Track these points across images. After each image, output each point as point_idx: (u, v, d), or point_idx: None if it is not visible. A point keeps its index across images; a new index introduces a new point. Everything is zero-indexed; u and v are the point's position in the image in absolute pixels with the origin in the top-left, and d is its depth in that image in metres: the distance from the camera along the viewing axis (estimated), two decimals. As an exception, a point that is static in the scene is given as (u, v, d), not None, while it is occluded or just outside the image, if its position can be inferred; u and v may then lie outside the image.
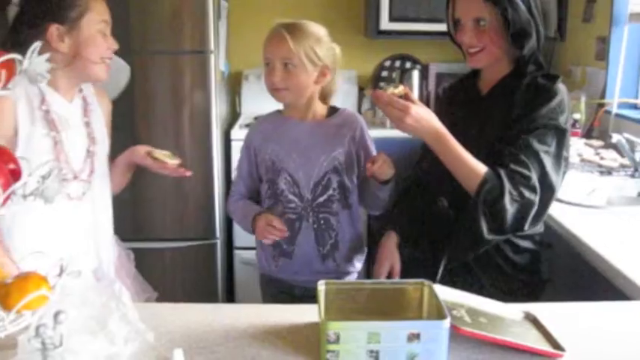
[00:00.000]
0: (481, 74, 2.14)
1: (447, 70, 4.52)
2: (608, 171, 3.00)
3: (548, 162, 1.90)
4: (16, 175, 1.27)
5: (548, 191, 1.90)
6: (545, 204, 1.91)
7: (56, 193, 1.29)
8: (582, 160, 3.13)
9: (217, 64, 3.61)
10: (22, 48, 1.77)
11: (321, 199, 2.16)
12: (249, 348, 1.40)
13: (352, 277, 2.26)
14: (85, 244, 2.00)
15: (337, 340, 1.30)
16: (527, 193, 1.86)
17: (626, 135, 3.07)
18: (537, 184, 1.87)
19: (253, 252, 3.74)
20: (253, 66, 4.43)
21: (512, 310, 1.58)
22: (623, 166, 3.04)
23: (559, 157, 1.93)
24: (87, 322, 1.30)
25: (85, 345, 1.26)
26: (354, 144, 2.16)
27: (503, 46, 1.99)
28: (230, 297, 4.03)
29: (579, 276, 2.19)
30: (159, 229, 3.70)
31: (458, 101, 2.17)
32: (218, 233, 3.75)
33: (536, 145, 1.89)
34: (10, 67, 1.22)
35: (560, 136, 1.92)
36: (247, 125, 4.05)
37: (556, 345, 1.42)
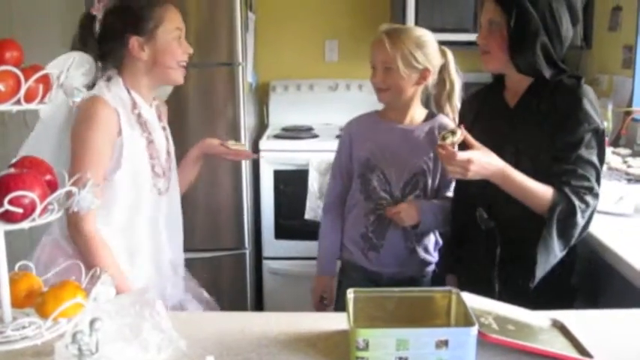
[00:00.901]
0: (506, 84, 2.14)
1: (473, 79, 4.46)
2: (635, 179, 2.98)
3: (598, 164, 1.95)
4: (52, 186, 1.31)
5: (597, 195, 1.96)
6: (596, 207, 1.97)
7: (91, 203, 1.33)
8: (610, 169, 3.12)
9: (245, 76, 3.64)
10: (107, 58, 2.02)
11: (408, 198, 2.29)
12: (279, 355, 1.42)
13: (431, 268, 2.40)
14: (166, 233, 2.17)
15: (366, 347, 1.32)
16: (592, 202, 1.92)
17: (654, 143, 3.06)
18: (598, 189, 1.94)
19: (281, 262, 3.77)
20: (281, 77, 4.47)
21: (540, 318, 1.58)
22: (651, 173, 3.02)
23: (603, 156, 1.98)
24: (121, 330, 1.33)
25: (119, 352, 1.29)
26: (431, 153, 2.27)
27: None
28: (259, 306, 4.05)
29: (607, 283, 2.18)
30: (189, 240, 3.69)
31: (485, 112, 2.18)
32: (247, 243, 3.78)
33: (587, 155, 1.93)
34: (47, 82, 1.26)
35: (601, 135, 1.96)
36: (275, 136, 4.08)
37: (584, 352, 1.42)
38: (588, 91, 1.97)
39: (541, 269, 1.93)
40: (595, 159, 1.94)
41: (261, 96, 4.55)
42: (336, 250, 2.45)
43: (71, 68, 1.25)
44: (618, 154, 3.35)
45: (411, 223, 2.25)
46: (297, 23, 4.53)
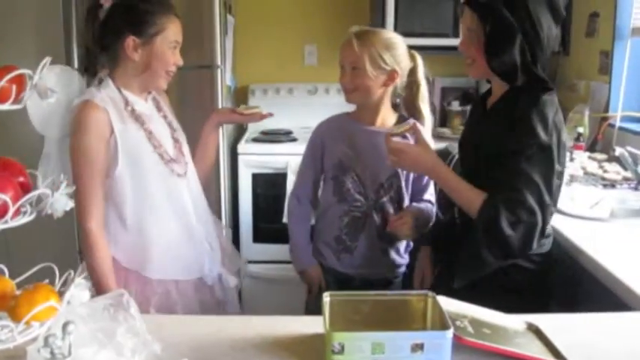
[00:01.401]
0: (492, 90, 2.16)
1: (451, 84, 4.55)
2: (611, 184, 3.01)
3: (540, 181, 1.88)
4: (25, 187, 1.29)
5: (545, 210, 1.90)
6: (545, 223, 1.92)
7: (65, 205, 1.32)
8: (586, 174, 3.15)
9: (224, 79, 3.64)
10: (104, 51, 2.09)
11: (383, 200, 2.33)
12: (255, 359, 1.41)
13: (402, 270, 2.44)
14: (193, 212, 2.23)
15: (342, 351, 1.32)
16: (525, 216, 1.86)
17: (629, 148, 3.09)
18: (535, 205, 1.87)
19: (260, 265, 3.75)
20: (260, 81, 4.47)
21: (515, 321, 1.59)
22: (626, 179, 3.05)
23: (549, 174, 1.90)
24: (95, 334, 1.32)
25: (92, 356, 1.27)
26: None
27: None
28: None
29: (582, 287, 2.20)
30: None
31: (472, 113, 2.26)
32: (225, 247, 3.76)
33: (527, 168, 1.88)
34: (21, 82, 1.24)
35: (548, 151, 1.89)
36: (254, 139, 4.08)
37: (558, 355, 1.43)
38: (546, 105, 1.92)
39: (464, 272, 1.97)
40: (536, 175, 1.88)
41: (240, 99, 4.53)
42: (309, 238, 2.47)
43: (45, 69, 1.23)
44: (594, 159, 3.38)
45: (409, 236, 2.29)
46: (277, 27, 4.53)
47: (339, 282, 2.38)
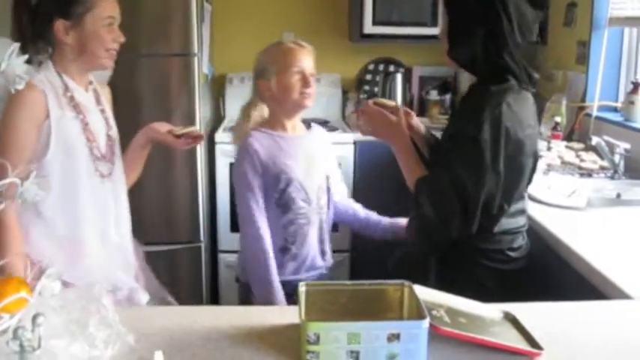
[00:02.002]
0: None
1: (430, 73, 4.55)
2: (588, 173, 3.03)
3: (462, 172, 1.89)
4: (-5, 177, 1.27)
5: (468, 200, 1.90)
6: (469, 212, 1.91)
7: (35, 195, 1.30)
8: (563, 163, 3.16)
9: (201, 67, 3.61)
10: (38, 41, 1.97)
11: (321, 202, 2.34)
12: (229, 349, 1.40)
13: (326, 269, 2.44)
14: (112, 219, 2.13)
15: (317, 341, 1.31)
16: (440, 201, 1.93)
17: (606, 137, 3.11)
18: (452, 194, 1.90)
19: (237, 255, 3.73)
20: (237, 69, 4.43)
21: (492, 310, 1.59)
22: (602, 168, 3.07)
23: (479, 166, 1.89)
24: (67, 325, 1.30)
25: (64, 348, 1.25)
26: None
27: None
28: (214, 300, 4.03)
29: (559, 276, 2.20)
30: (143, 232, 3.65)
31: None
32: (202, 236, 3.75)
33: (452, 157, 1.93)
34: (-11, 70, 1.22)
35: (474, 145, 1.88)
36: (232, 128, 4.04)
37: (535, 344, 1.43)
38: (492, 97, 1.90)
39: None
40: (460, 166, 1.90)
41: (218, 88, 4.51)
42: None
43: (13, 55, 1.21)
44: (571, 149, 3.39)
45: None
46: (254, 15, 4.50)
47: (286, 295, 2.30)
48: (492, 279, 2.04)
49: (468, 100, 2.04)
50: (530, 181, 2.09)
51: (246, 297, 2.35)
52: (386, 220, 2.47)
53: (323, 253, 2.38)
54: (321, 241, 2.37)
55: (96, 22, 1.99)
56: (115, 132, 2.17)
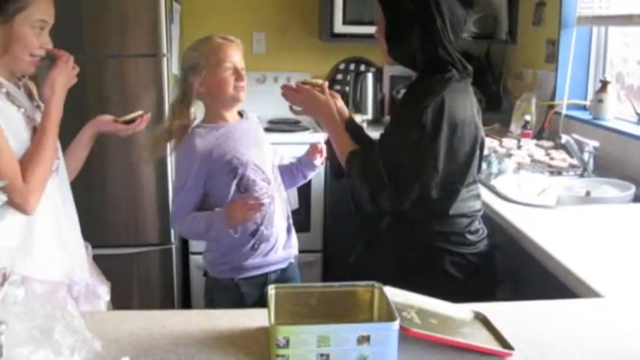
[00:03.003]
0: None
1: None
2: (557, 171, 3.05)
3: (398, 149, 2.01)
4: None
5: (398, 175, 1.99)
6: (401, 187, 2.00)
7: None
8: (533, 161, 3.18)
9: (170, 68, 3.58)
10: None
11: (278, 179, 2.45)
12: (199, 354, 1.38)
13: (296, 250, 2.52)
14: (62, 213, 2.08)
15: (287, 345, 1.30)
16: (369, 175, 2.03)
17: (575, 136, 3.13)
18: (383, 173, 1.99)
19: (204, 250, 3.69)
20: (207, 70, 4.40)
21: (463, 311, 1.59)
22: (572, 166, 3.09)
23: (418, 145, 1.98)
24: (31, 332, 1.27)
25: (28, 356, 1.23)
26: None
27: None
28: (186, 302, 4.00)
29: (529, 275, 2.21)
30: (113, 235, 3.65)
31: None
32: (173, 238, 3.72)
33: (388, 136, 2.10)
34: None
35: (414, 128, 1.97)
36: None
37: (505, 344, 1.43)
38: (432, 84, 2.01)
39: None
40: (394, 144, 2.03)
41: (188, 88, 4.47)
42: (213, 211, 2.36)
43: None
44: (541, 147, 3.41)
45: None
46: (224, 15, 4.47)
47: (256, 286, 2.38)
48: (454, 264, 2.08)
49: (411, 90, 2.13)
50: (479, 166, 2.17)
51: (211, 291, 2.46)
52: (299, 160, 2.60)
53: (289, 229, 2.46)
54: (287, 217, 2.46)
55: (25, 24, 1.89)
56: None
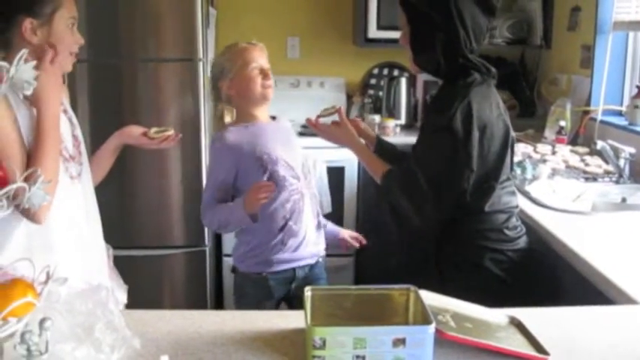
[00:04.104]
0: None
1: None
2: (593, 177, 3.03)
3: (434, 161, 2.04)
4: (2, 181, 1.27)
5: (437, 189, 2.03)
6: (442, 198, 2.04)
7: (42, 199, 1.30)
8: (568, 167, 3.16)
9: (206, 72, 3.61)
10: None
11: (308, 177, 2.53)
12: (235, 354, 1.40)
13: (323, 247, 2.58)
14: (84, 219, 2.07)
15: (323, 346, 1.31)
16: (412, 189, 2.05)
17: (611, 142, 3.10)
18: (424, 183, 2.02)
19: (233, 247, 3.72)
20: (241, 74, 4.43)
21: (497, 315, 1.59)
22: (607, 172, 3.06)
23: (452, 155, 2.02)
24: (73, 330, 1.30)
25: (71, 352, 1.26)
26: None
27: None
28: (219, 304, 4.03)
29: (564, 281, 2.20)
30: (148, 237, 3.69)
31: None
32: (207, 240, 3.75)
33: (424, 147, 2.10)
34: (-3, 75, 1.22)
35: (447, 134, 2.00)
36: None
37: (540, 349, 1.43)
38: (458, 91, 2.04)
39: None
40: (432, 156, 2.05)
41: (222, 93, 4.51)
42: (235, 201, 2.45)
43: (21, 61, 1.21)
44: (576, 153, 3.39)
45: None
46: (259, 19, 4.50)
47: (283, 281, 2.47)
48: (493, 260, 2.12)
49: (438, 97, 2.18)
50: (512, 163, 2.22)
51: (241, 286, 2.55)
52: (329, 227, 2.68)
53: (318, 227, 2.54)
54: (317, 214, 2.54)
55: (62, 22, 1.93)
56: (79, 131, 2.11)
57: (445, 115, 2.00)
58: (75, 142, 2.06)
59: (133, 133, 2.30)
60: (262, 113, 2.47)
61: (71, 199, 2.00)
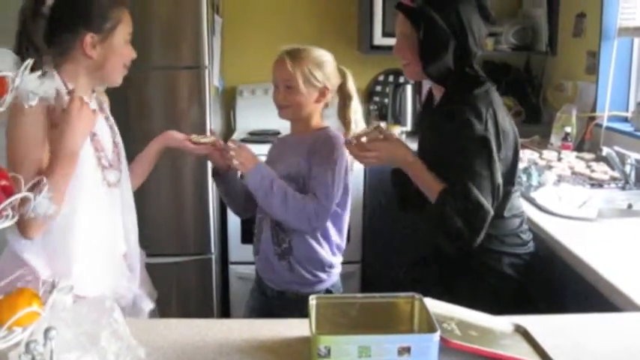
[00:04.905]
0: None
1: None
2: (598, 184, 3.02)
3: (481, 171, 1.98)
4: (7, 191, 1.28)
5: (491, 197, 1.99)
6: (492, 208, 2.00)
7: (47, 209, 1.30)
8: (573, 173, 3.15)
9: (211, 80, 3.63)
10: (56, 48, 1.92)
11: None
12: (240, 363, 1.41)
13: (321, 287, 2.33)
14: (121, 227, 2.12)
15: (328, 354, 1.31)
16: (470, 206, 1.95)
17: (617, 148, 3.10)
18: (479, 196, 1.95)
19: (248, 266, 3.77)
20: (247, 81, 4.45)
21: (503, 323, 1.58)
22: (613, 178, 3.06)
23: (490, 162, 1.99)
24: (78, 339, 1.30)
25: (76, 361, 1.26)
26: (306, 160, 2.28)
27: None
28: (225, 312, 4.03)
29: (569, 288, 2.20)
30: (154, 244, 3.67)
31: (424, 114, 2.37)
32: (213, 248, 3.75)
33: (466, 161, 1.99)
34: (3, 85, 1.23)
35: (484, 142, 1.98)
36: (242, 140, 4.06)
37: (546, 357, 1.43)
38: (477, 98, 2.02)
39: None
40: (477, 166, 1.98)
41: (228, 100, 4.53)
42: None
43: (26, 72, 1.22)
44: (582, 159, 3.38)
45: (241, 169, 2.26)
46: (264, 27, 4.51)
47: (258, 291, 2.48)
48: (511, 265, 2.14)
49: (461, 108, 2.03)
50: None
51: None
52: None
53: (280, 257, 2.38)
54: (276, 243, 2.38)
55: (120, 38, 2.00)
56: (119, 138, 2.15)
57: (475, 124, 1.98)
58: (115, 149, 2.09)
59: (175, 136, 2.33)
60: (298, 126, 2.41)
61: (109, 206, 2.05)
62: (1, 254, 1.99)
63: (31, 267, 1.88)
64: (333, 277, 2.38)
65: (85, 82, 2.01)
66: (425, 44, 2.05)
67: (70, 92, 1.89)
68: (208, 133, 2.50)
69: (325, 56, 2.35)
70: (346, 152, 2.25)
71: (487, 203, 1.95)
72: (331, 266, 2.36)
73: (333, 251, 2.37)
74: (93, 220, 1.99)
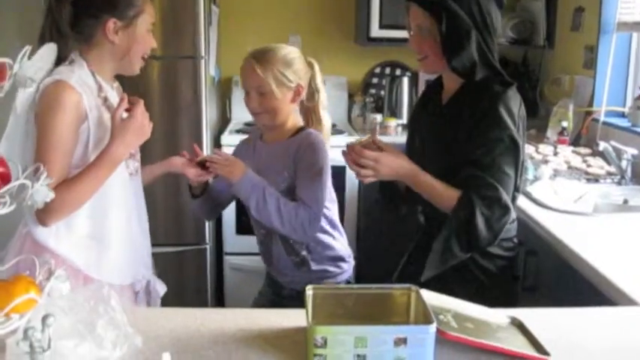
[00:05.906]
0: (443, 83, 2.14)
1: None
2: (595, 178, 3.02)
3: (512, 174, 1.92)
4: (5, 178, 1.27)
5: (514, 201, 1.96)
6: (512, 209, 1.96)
7: (45, 197, 1.30)
8: (569, 168, 3.16)
9: (208, 70, 3.62)
10: (80, 35, 1.96)
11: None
12: (236, 352, 1.40)
13: (342, 277, 2.38)
14: (136, 214, 2.14)
15: (324, 345, 1.31)
16: (497, 211, 1.89)
17: (613, 143, 3.10)
18: (508, 201, 1.90)
19: (242, 257, 3.75)
20: (244, 72, 4.44)
21: (499, 315, 1.59)
22: (609, 173, 3.06)
23: (519, 166, 1.95)
24: (75, 326, 1.30)
25: (73, 349, 1.26)
26: (293, 169, 2.23)
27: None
28: (219, 302, 4.03)
29: (565, 282, 2.20)
30: (150, 234, 3.68)
31: (428, 110, 2.19)
32: (208, 239, 3.75)
33: (499, 162, 1.91)
34: (2, 71, 1.22)
35: (516, 145, 1.92)
36: (238, 131, 4.06)
37: (541, 349, 1.43)
38: (510, 99, 1.94)
39: (433, 264, 1.97)
40: (509, 169, 1.91)
41: (224, 90, 4.52)
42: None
43: (24, 58, 1.21)
44: (578, 154, 3.39)
45: (229, 178, 2.18)
46: (261, 18, 4.51)
47: (270, 289, 2.47)
48: (503, 267, 2.07)
49: (492, 104, 1.94)
50: None
51: None
52: None
53: (298, 266, 2.37)
54: (292, 254, 2.37)
55: (143, 26, 2.01)
56: None
57: (511, 124, 1.91)
58: None
59: (177, 163, 2.32)
60: (274, 129, 2.34)
61: (129, 195, 2.08)
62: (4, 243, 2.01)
63: (59, 255, 1.90)
64: (351, 266, 2.41)
65: (109, 69, 2.05)
66: (448, 37, 1.95)
67: (132, 100, 1.98)
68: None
69: (293, 53, 2.27)
70: (329, 152, 2.23)
71: (511, 208, 1.91)
72: (350, 255, 2.40)
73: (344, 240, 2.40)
74: (115, 208, 2.02)
